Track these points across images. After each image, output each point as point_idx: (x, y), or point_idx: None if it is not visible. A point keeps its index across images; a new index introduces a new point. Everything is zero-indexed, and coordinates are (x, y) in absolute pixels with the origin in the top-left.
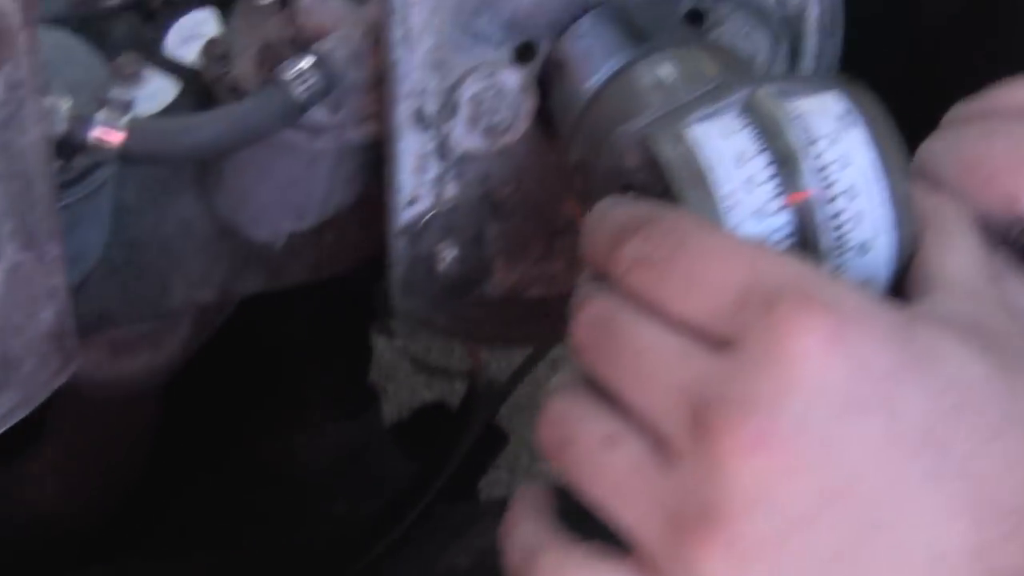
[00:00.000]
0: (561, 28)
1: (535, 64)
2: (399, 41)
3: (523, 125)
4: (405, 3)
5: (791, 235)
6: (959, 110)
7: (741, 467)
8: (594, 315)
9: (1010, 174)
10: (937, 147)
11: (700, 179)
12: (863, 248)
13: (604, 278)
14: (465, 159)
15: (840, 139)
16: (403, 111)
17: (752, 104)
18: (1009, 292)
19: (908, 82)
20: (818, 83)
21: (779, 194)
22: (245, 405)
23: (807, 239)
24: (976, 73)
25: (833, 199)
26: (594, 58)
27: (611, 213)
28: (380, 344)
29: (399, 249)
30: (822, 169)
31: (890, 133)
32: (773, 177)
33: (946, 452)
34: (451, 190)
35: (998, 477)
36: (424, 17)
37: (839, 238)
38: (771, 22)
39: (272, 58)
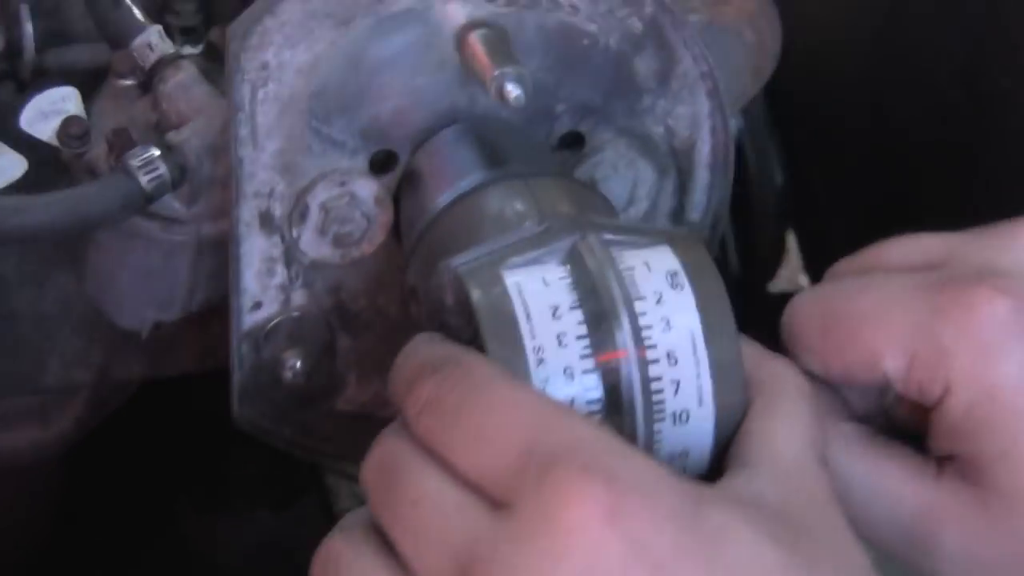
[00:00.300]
0: (422, 141)
1: (393, 176)
2: (245, 139)
3: (378, 238)
4: (252, 100)
5: (600, 398)
6: (838, 266)
7: None
8: (381, 457)
9: (873, 329)
10: (802, 302)
11: (508, 329)
12: (680, 417)
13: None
14: (315, 267)
15: (665, 300)
16: (248, 212)
17: (576, 253)
18: (838, 475)
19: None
20: (652, 236)
21: (591, 354)
22: (172, 483)
23: (619, 403)
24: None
25: (649, 363)
26: (446, 176)
27: (415, 351)
28: None
29: (241, 354)
30: (641, 330)
31: (719, 296)
32: (587, 335)
33: None
34: (299, 298)
35: None
36: (272, 117)
37: (654, 404)
38: (657, 153)
39: (122, 143)
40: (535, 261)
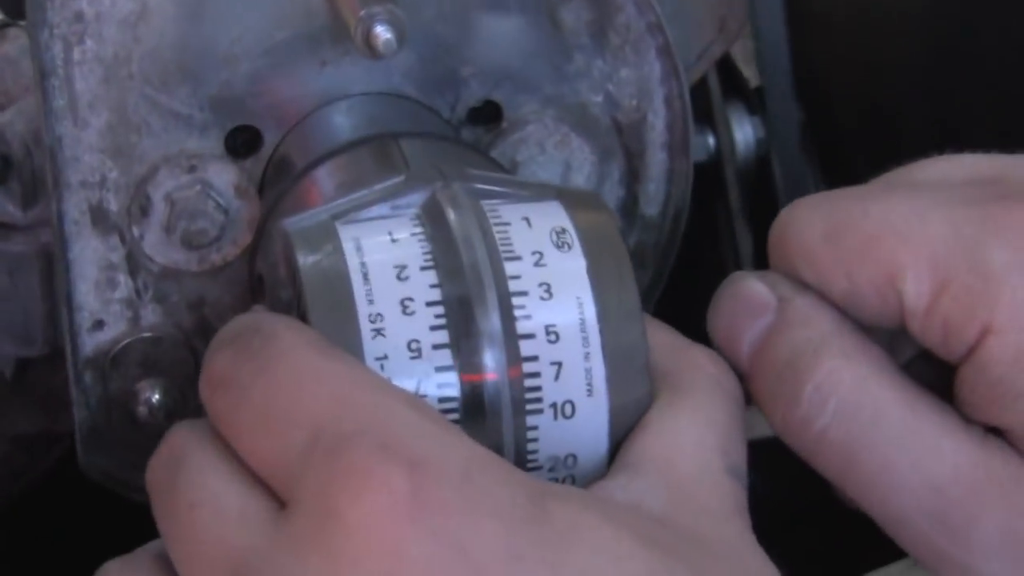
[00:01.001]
0: (294, 118)
1: (257, 160)
2: (62, 113)
3: (244, 238)
4: (67, 62)
5: (455, 382)
6: None
7: None
8: (168, 452)
9: (896, 239)
10: (803, 205)
11: (336, 292)
12: (563, 410)
13: None
14: (168, 276)
15: (547, 262)
16: (75, 206)
17: (434, 204)
18: (863, 406)
19: None
20: (540, 190)
21: (444, 324)
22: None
23: (479, 389)
24: None
25: (521, 338)
26: (312, 151)
27: (225, 326)
28: None
29: (85, 386)
30: (511, 296)
31: (619, 264)
32: (440, 301)
33: None
34: (151, 315)
35: None
36: (93, 84)
37: (526, 392)
38: (596, 129)
39: None
40: (383, 216)
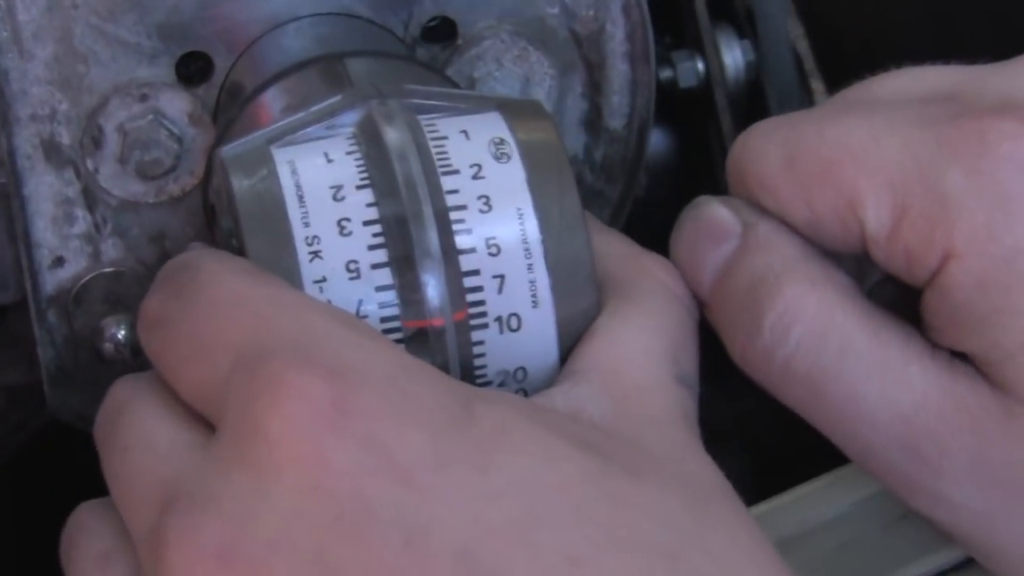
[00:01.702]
0: (242, 42)
1: (210, 88)
2: (6, 45)
3: (200, 167)
4: None
5: (395, 301)
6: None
7: None
8: (109, 403)
9: (853, 164)
10: (759, 130)
11: (271, 216)
12: (508, 323)
13: None
14: (126, 209)
15: (486, 174)
16: (26, 141)
17: (369, 122)
18: (828, 335)
19: None
20: (476, 101)
21: (382, 243)
22: None
23: (421, 305)
24: None
25: (461, 253)
26: (262, 76)
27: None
28: None
29: (48, 325)
30: (449, 211)
31: (560, 172)
32: (378, 219)
33: None
34: (112, 250)
35: None
36: (37, 14)
37: (469, 306)
38: (554, 42)
39: None
40: (320, 136)
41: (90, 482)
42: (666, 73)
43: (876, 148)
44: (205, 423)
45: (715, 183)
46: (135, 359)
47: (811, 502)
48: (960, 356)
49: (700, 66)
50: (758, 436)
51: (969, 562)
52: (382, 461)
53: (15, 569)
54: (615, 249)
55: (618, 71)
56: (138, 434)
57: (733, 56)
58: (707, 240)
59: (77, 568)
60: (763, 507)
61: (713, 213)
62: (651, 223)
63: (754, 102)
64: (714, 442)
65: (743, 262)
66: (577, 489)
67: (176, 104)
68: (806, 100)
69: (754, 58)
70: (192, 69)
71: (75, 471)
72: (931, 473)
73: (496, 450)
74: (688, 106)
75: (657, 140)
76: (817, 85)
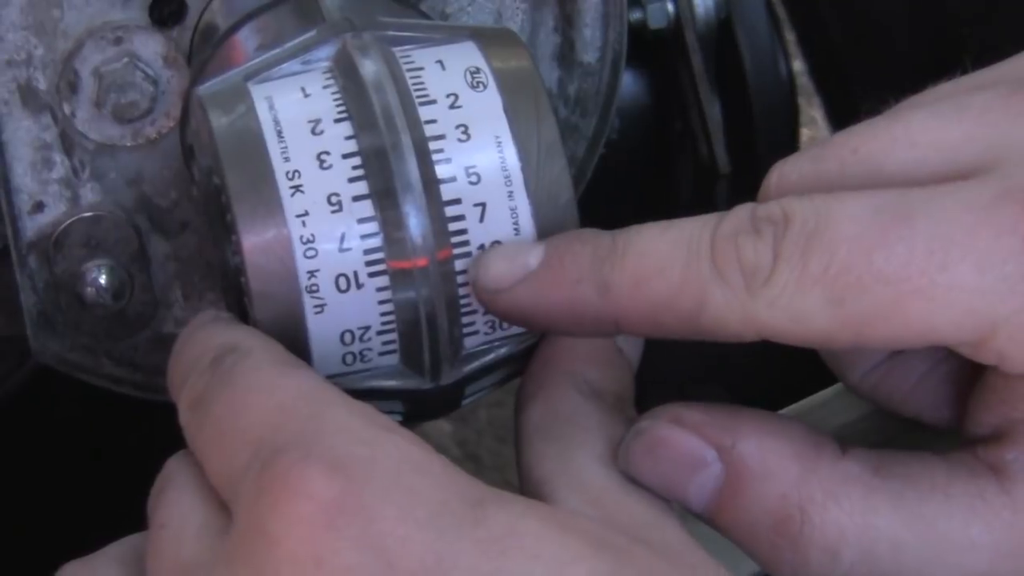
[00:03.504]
0: None
1: (184, 29)
2: None
3: (176, 109)
4: None
5: (377, 232)
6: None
7: None
8: (158, 480)
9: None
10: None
11: (251, 152)
12: None
13: None
14: (103, 153)
15: (463, 103)
16: (3, 86)
17: (344, 55)
18: (857, 538)
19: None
20: (453, 32)
21: (362, 175)
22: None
23: (403, 239)
24: None
25: (442, 183)
26: (235, 16)
27: (191, 338)
28: None
29: (30, 270)
30: (428, 141)
31: (535, 99)
32: (357, 152)
33: None
34: (90, 194)
35: None
36: None
37: (451, 236)
38: None
39: None
40: (296, 71)
41: (69, 435)
42: (636, 15)
43: (943, 276)
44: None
45: (686, 123)
46: (115, 303)
47: None
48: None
49: (670, 7)
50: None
51: None
52: (381, 564)
53: None
54: None
55: (590, 4)
56: (173, 513)
57: None
58: (680, 470)
59: None
60: None
61: (676, 441)
62: (625, 164)
63: (724, 43)
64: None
65: (747, 495)
66: None
67: (150, 46)
68: (777, 40)
69: None
70: (165, 12)
71: (56, 424)
72: None
73: (505, 554)
74: (659, 48)
75: (628, 83)
76: (790, 35)
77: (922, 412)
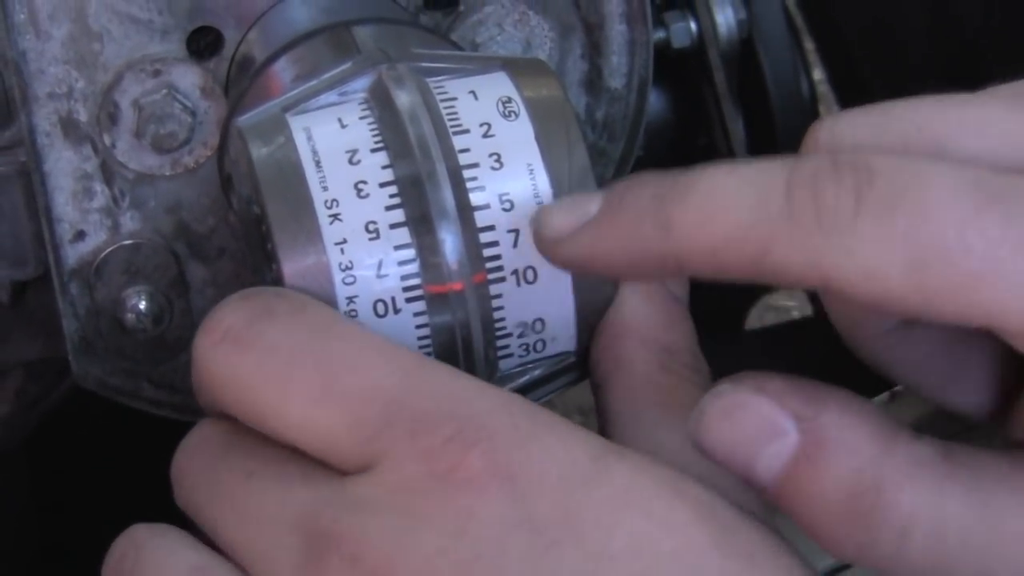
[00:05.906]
0: (251, 15)
1: (221, 60)
2: (23, 27)
3: (214, 139)
4: None
5: (414, 257)
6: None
7: None
8: (199, 439)
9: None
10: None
11: (290, 181)
12: (524, 275)
13: None
14: (143, 182)
15: (496, 132)
16: (45, 119)
17: (380, 86)
18: (923, 520)
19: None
20: (485, 62)
21: (399, 203)
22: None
23: (439, 263)
24: None
25: (476, 209)
26: (272, 47)
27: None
28: None
29: (72, 297)
30: (462, 169)
31: (568, 128)
32: (394, 181)
33: None
34: (130, 222)
35: None
36: None
37: (486, 261)
38: (553, 5)
39: None
40: (333, 103)
41: (105, 453)
42: (659, 34)
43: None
44: (329, 460)
45: (709, 140)
46: (155, 328)
47: None
48: None
49: (693, 26)
50: None
51: None
52: (523, 515)
53: (34, 539)
54: None
55: (617, 31)
56: (261, 461)
57: (725, 15)
58: (756, 437)
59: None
60: None
61: (756, 408)
62: None
63: (747, 60)
64: None
65: (822, 467)
66: (691, 558)
67: (188, 78)
68: (798, 57)
69: (746, 16)
70: (203, 44)
71: (89, 444)
72: None
73: (624, 509)
74: (682, 65)
75: (653, 99)
76: (810, 44)
77: (921, 384)
